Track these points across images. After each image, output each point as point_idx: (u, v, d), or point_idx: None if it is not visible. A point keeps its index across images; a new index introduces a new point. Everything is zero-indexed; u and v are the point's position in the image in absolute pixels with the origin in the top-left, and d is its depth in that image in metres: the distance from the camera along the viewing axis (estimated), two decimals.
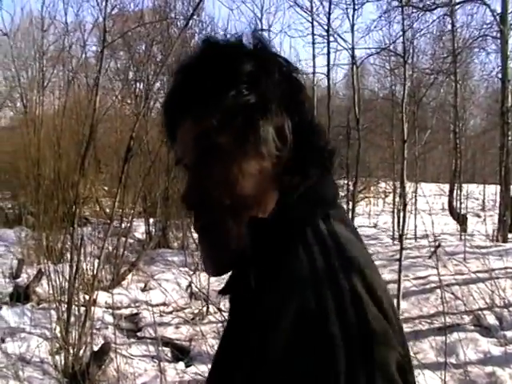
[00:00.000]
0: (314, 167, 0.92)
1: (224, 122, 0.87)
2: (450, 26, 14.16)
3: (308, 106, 0.95)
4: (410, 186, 12.47)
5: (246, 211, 0.86)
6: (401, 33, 8.84)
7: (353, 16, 8.80)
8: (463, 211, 14.60)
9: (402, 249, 7.46)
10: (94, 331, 5.92)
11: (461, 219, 13.46)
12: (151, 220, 11.56)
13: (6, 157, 13.21)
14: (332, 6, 8.76)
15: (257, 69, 0.89)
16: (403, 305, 7.29)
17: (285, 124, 0.90)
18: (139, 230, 11.80)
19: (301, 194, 0.88)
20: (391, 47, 10.88)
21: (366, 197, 17.70)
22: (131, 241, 10.54)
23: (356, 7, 8.82)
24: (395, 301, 7.21)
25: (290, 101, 0.91)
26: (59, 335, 5.41)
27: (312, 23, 8.87)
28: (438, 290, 6.78)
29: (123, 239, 9.17)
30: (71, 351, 5.21)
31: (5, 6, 35.70)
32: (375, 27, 11.75)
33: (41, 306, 7.07)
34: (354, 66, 8.79)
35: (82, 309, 5.58)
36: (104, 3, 6.59)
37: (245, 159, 0.87)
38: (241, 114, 0.87)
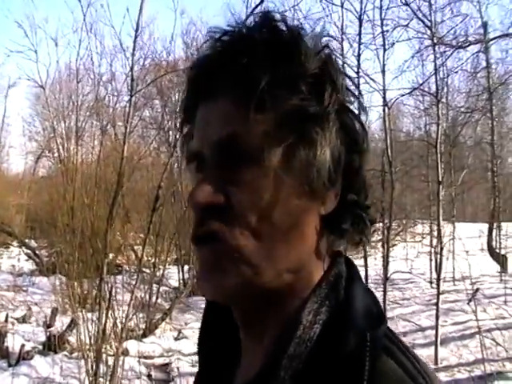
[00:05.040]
0: (353, 231, 0.77)
1: (277, 125, 0.69)
2: (484, 63, 14.02)
3: (365, 147, 0.77)
4: (447, 227, 12.23)
5: (275, 243, 0.70)
6: (433, 72, 8.79)
7: (383, 56, 8.75)
8: (503, 251, 14.24)
9: (439, 293, 7.29)
10: (125, 381, 5.86)
11: (501, 260, 13.12)
12: (185, 267, 11.54)
13: (44, 206, 13.46)
14: (362, 47, 8.68)
15: (322, 73, 0.72)
16: (442, 352, 7.07)
17: (342, 155, 0.73)
18: (173, 277, 11.78)
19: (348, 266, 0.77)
20: (424, 87, 10.80)
21: (404, 240, 17.43)
22: (165, 288, 10.53)
23: (386, 47, 8.76)
24: (433, 348, 7.00)
25: (347, 129, 0.75)
26: None
27: (342, 65, 8.87)
28: (478, 336, 6.56)
29: (156, 287, 9.16)
30: None
31: (40, 58, 37.02)
32: (408, 67, 11.66)
33: (73, 355, 7.05)
34: (386, 108, 8.72)
35: (112, 359, 5.53)
36: (131, 54, 6.67)
37: (288, 184, 0.70)
38: (298, 123, 0.70)
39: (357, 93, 0.78)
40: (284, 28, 0.73)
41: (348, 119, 0.75)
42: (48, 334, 7.59)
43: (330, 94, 0.71)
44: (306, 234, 0.73)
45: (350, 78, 0.77)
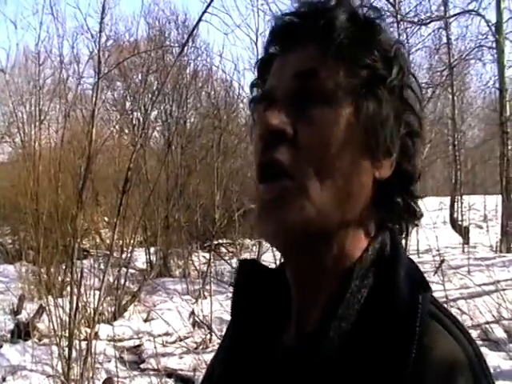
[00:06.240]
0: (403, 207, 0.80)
1: (350, 75, 0.74)
2: (445, 39, 14.21)
3: (421, 131, 0.82)
4: None
5: (335, 187, 0.72)
6: None
7: None
8: (465, 223, 14.49)
9: None
10: (97, 365, 5.85)
11: (463, 231, 13.35)
12: (152, 249, 11.48)
13: (6, 192, 13.20)
14: None
15: (394, 54, 0.77)
16: None
17: (401, 127, 0.77)
18: (140, 259, 11.69)
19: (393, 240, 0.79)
20: None
21: None
22: (132, 271, 10.45)
23: None
24: None
25: (408, 107, 0.79)
26: (61, 372, 5.33)
27: None
28: (445, 306, 6.68)
29: (124, 270, 9.10)
30: None
31: (0, 42, 35.98)
32: None
33: (42, 341, 6.98)
34: None
35: (84, 343, 5.50)
36: (97, 36, 6.55)
37: (355, 132, 0.74)
38: (368, 79, 0.74)
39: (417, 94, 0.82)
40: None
41: (409, 100, 0.79)
42: (16, 321, 7.50)
43: (397, 72, 0.76)
44: (362, 189, 0.75)
45: (415, 78, 0.82)
